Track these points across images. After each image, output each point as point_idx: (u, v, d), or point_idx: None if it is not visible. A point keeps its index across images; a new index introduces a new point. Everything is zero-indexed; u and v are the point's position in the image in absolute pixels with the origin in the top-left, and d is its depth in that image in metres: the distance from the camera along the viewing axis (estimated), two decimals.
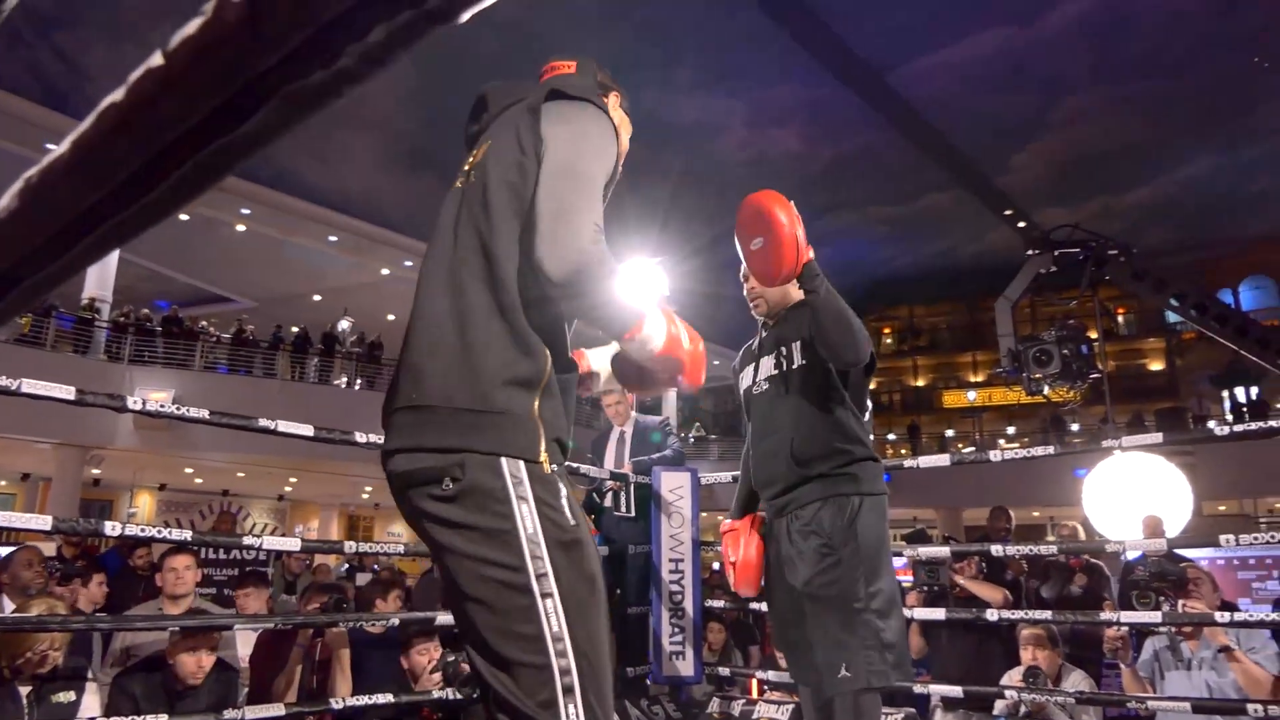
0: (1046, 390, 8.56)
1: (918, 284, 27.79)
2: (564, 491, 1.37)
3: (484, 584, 1.29)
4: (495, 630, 1.28)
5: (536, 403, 1.37)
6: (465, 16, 0.33)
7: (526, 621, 1.27)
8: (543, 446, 1.36)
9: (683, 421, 26.18)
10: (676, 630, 4.48)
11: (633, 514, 4.84)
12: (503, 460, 1.32)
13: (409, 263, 18.00)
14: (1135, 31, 17.53)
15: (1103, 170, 21.34)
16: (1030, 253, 9.52)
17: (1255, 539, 3.30)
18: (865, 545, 2.41)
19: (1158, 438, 3.65)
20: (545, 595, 1.28)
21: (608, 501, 4.96)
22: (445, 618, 3.65)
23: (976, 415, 28.55)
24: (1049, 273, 9.60)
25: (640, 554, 4.75)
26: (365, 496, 20.68)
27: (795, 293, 2.74)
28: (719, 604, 5.07)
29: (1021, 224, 23.98)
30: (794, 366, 2.64)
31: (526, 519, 1.31)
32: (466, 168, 1.55)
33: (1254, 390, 20.52)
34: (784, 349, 2.68)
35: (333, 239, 17.48)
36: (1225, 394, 22.88)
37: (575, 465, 4.42)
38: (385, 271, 18.90)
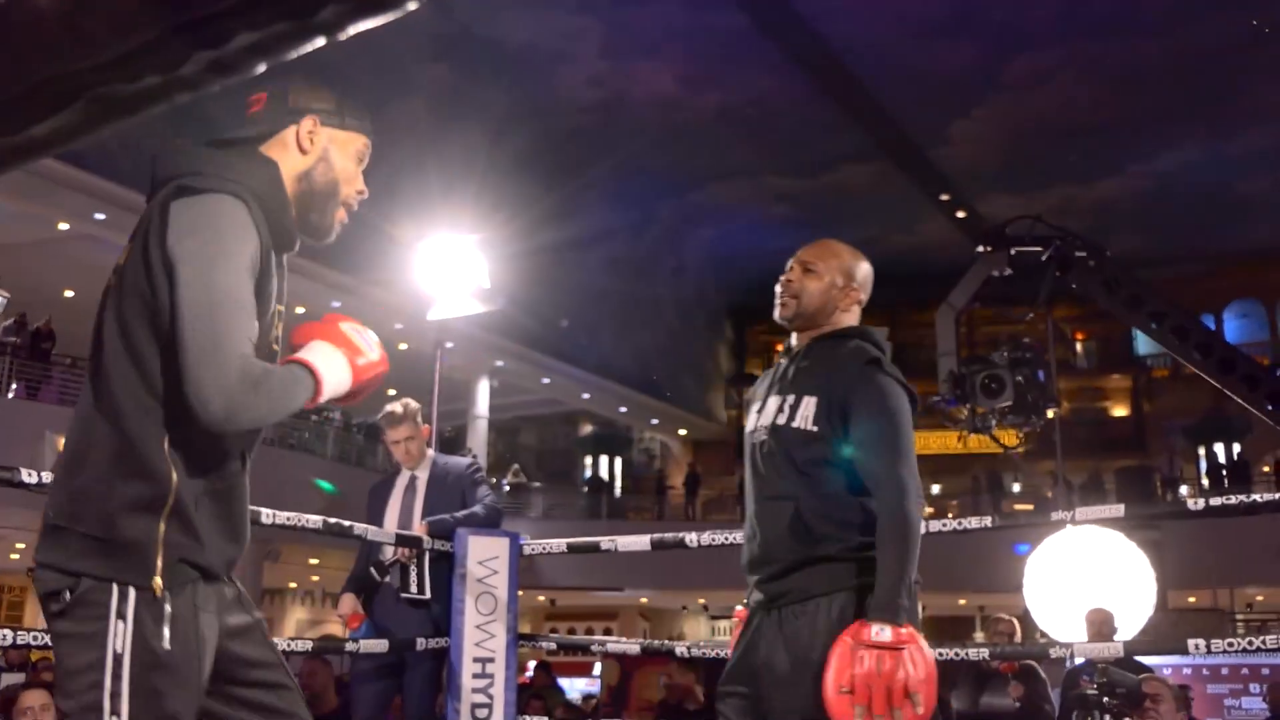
0: (994, 426, 9.05)
1: None
2: (168, 613, 1.84)
3: (73, 696, 1.79)
4: None
5: (162, 525, 1.85)
6: (347, 32, 0.38)
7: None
8: (158, 571, 1.83)
9: (494, 462, 26.11)
10: None
11: (426, 594, 4.81)
12: (113, 584, 1.82)
13: (101, 215, 17.21)
14: None
15: (1063, 152, 22.67)
16: (981, 249, 10.06)
17: (1231, 645, 3.63)
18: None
19: (1118, 510, 3.96)
20: (114, 714, 1.77)
21: (390, 577, 4.90)
22: None
23: None
24: (1003, 276, 10.18)
25: (432, 651, 4.73)
26: (15, 558, 19.55)
27: (842, 311, 2.84)
28: None
29: (960, 213, 25.32)
30: (796, 426, 2.70)
31: (119, 636, 1.80)
32: (119, 261, 2.00)
33: (1235, 448, 22.35)
34: (794, 399, 2.74)
35: None
36: (1201, 450, 24.84)
37: (347, 524, 4.36)
38: (64, 226, 17.99)
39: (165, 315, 1.84)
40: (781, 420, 2.73)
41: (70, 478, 1.87)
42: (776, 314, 2.86)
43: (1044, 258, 9.71)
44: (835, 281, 2.82)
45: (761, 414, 2.82)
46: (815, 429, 2.67)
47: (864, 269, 2.90)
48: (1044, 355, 9.38)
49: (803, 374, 2.77)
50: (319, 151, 2.07)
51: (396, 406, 5.10)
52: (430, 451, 5.24)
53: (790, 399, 2.74)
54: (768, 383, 2.91)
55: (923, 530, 3.95)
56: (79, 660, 1.79)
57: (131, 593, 1.81)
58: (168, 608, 1.83)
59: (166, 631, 1.82)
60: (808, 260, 2.84)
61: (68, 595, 1.80)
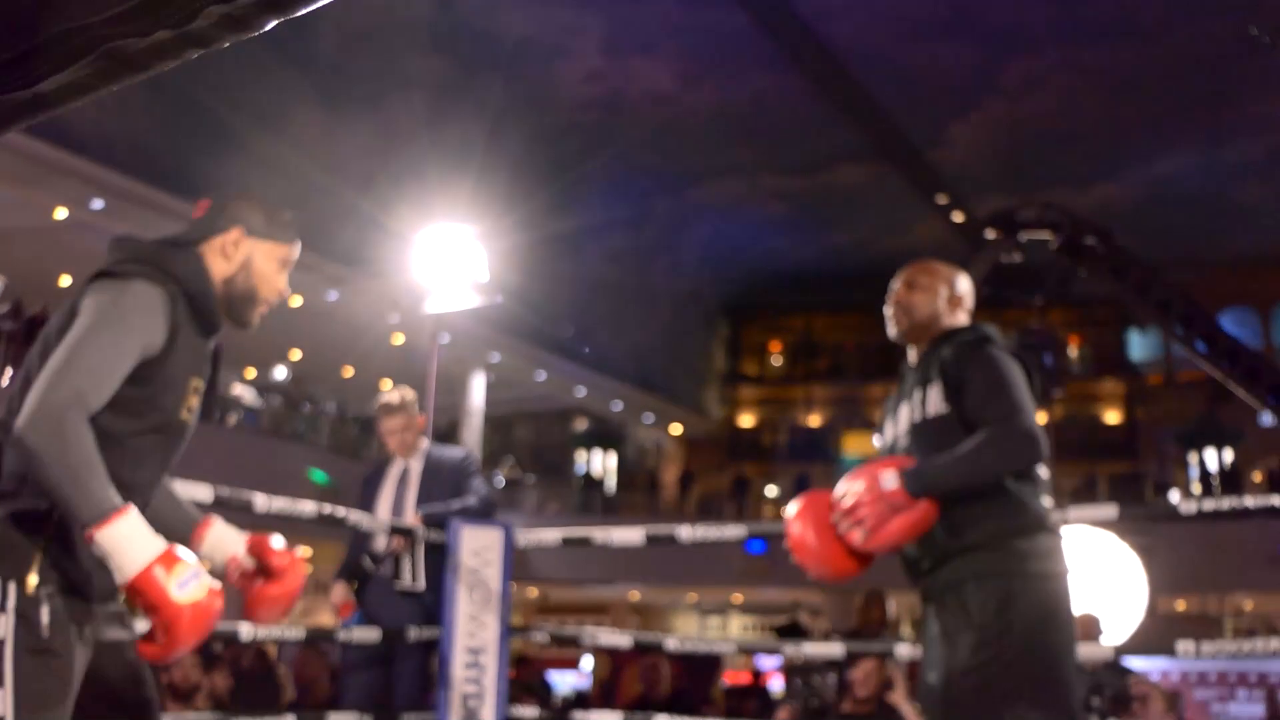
0: None
1: (820, 285, 28.72)
2: (46, 608, 1.99)
3: None
4: None
5: (43, 541, 2.04)
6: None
7: None
8: (33, 572, 2.00)
9: (488, 456, 26.11)
10: None
11: (420, 584, 4.81)
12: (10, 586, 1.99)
13: (98, 202, 17.17)
14: None
15: (1059, 155, 22.76)
16: (989, 234, 10.09)
17: (1220, 648, 3.65)
18: (1022, 645, 2.55)
19: (1111, 511, 3.98)
20: None
21: (383, 567, 4.90)
22: None
23: None
24: (1011, 264, 10.21)
25: (424, 641, 4.74)
26: None
27: (950, 317, 2.95)
28: (531, 714, 5.13)
29: (957, 216, 25.29)
30: (930, 415, 2.80)
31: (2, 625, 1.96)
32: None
33: (1227, 455, 22.42)
34: (921, 393, 2.84)
35: None
36: (1193, 457, 24.91)
37: (340, 512, 4.37)
38: (62, 214, 17.98)
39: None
40: (918, 418, 2.82)
41: None
42: (890, 331, 3.00)
43: (1053, 245, 9.74)
44: (941, 293, 2.95)
45: (898, 423, 2.92)
46: (947, 409, 2.75)
47: (965, 281, 3.04)
48: (1053, 338, 9.44)
49: (924, 371, 2.86)
50: (240, 260, 2.35)
51: (393, 396, 5.11)
52: (424, 442, 5.25)
53: (918, 395, 2.84)
54: (896, 399, 3.01)
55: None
56: None
57: (13, 586, 1.99)
58: (46, 605, 2.01)
59: (44, 620, 1.99)
60: (911, 277, 2.98)
61: None
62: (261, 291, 2.38)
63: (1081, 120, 21.92)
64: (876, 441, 3.06)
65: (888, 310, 3.00)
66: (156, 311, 2.14)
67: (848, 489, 2.66)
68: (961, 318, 2.97)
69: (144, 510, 2.15)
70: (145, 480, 2.22)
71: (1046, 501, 2.78)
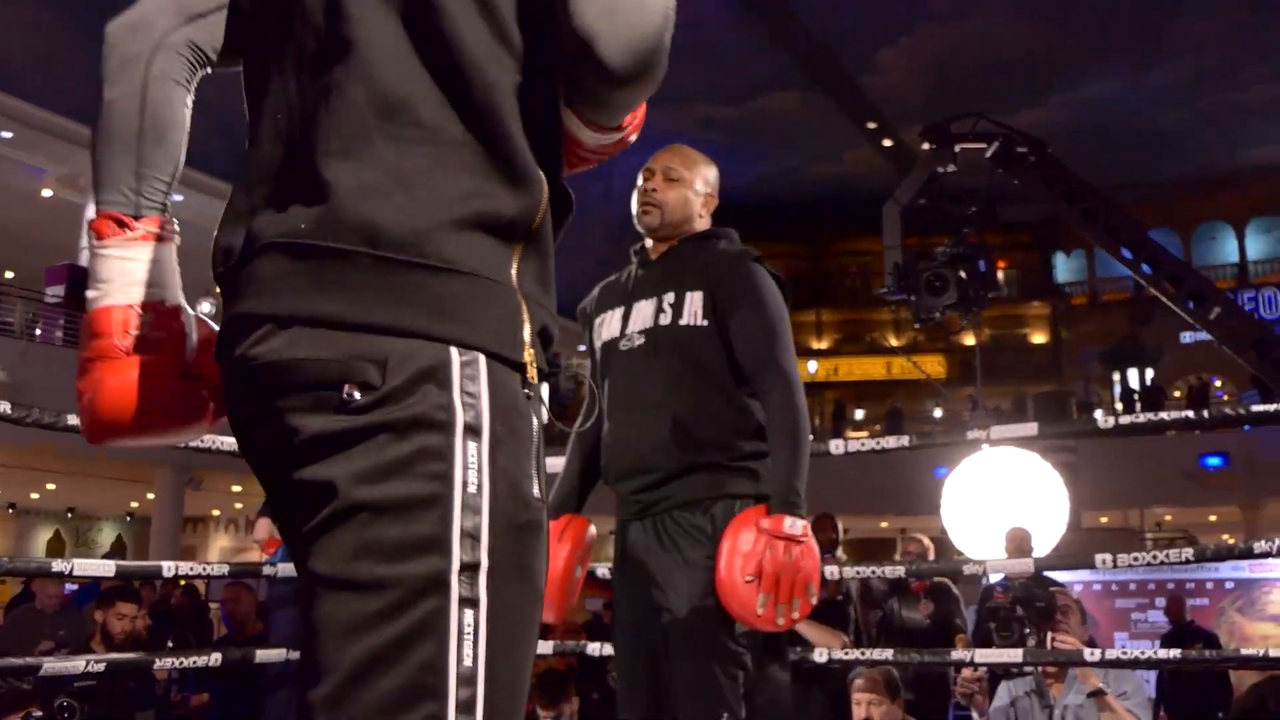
0: (939, 318, 9.36)
1: (751, 214, 28.63)
2: (538, 428, 1.18)
3: (360, 562, 1.04)
4: (346, 640, 1.04)
5: (516, 263, 1.16)
6: None
7: (420, 637, 1.04)
8: (527, 339, 1.16)
9: None
10: None
11: None
12: (454, 355, 1.09)
13: (6, 133, 16.68)
14: None
15: (987, 82, 22.85)
16: (926, 146, 10.23)
17: (1136, 559, 3.73)
18: None
19: (1032, 429, 4.03)
20: (466, 603, 1.06)
21: None
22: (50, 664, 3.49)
23: (818, 392, 30.21)
24: (947, 172, 10.38)
25: None
26: None
27: (701, 220, 2.82)
28: None
29: (887, 141, 25.42)
30: (685, 323, 2.67)
31: (471, 469, 1.08)
32: None
33: (1149, 374, 22.94)
34: (673, 296, 2.70)
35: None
36: (1116, 376, 25.45)
37: None
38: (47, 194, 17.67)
39: None
40: (665, 320, 2.69)
41: (354, 166, 1.13)
42: (640, 223, 2.81)
43: (988, 153, 9.88)
44: (697, 188, 2.81)
45: (629, 319, 2.77)
46: (705, 323, 2.64)
47: (715, 174, 2.91)
48: (984, 249, 9.56)
49: (677, 273, 2.73)
50: None
51: None
52: None
53: (670, 298, 2.70)
54: (619, 291, 2.87)
55: (841, 450, 4.00)
56: (382, 501, 1.06)
57: (485, 373, 1.11)
58: (536, 417, 1.19)
59: (535, 456, 1.16)
60: (670, 168, 2.81)
61: (354, 391, 1.07)
62: None
63: (1009, 46, 22.02)
64: (601, 333, 2.87)
65: (641, 200, 2.81)
66: None
67: (751, 564, 2.40)
68: (709, 219, 2.85)
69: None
70: None
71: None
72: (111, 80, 1.28)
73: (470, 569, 1.06)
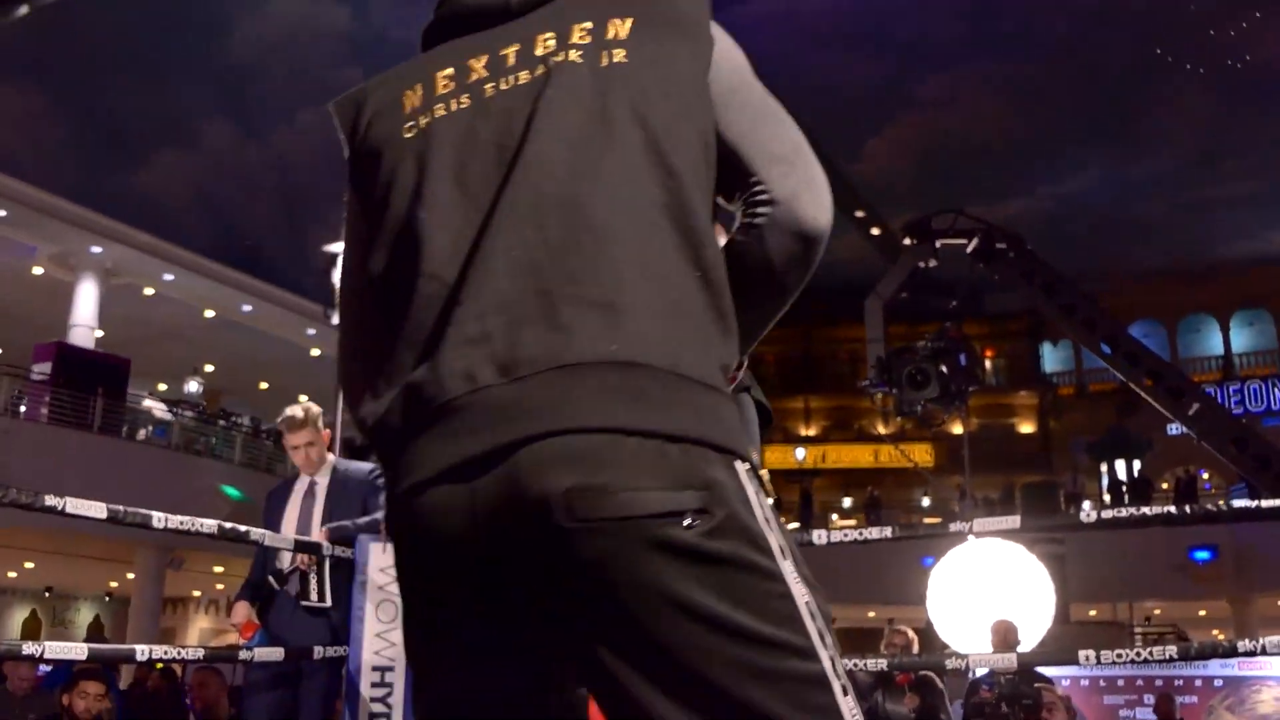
0: (920, 411, 9.44)
1: None
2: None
3: (760, 674, 1.12)
4: None
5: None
6: None
7: None
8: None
9: None
10: None
11: (327, 602, 4.72)
12: (743, 473, 1.21)
13: (1, 211, 16.79)
14: (1016, 1, 19.32)
15: (972, 171, 23.25)
16: (907, 242, 10.40)
17: (1120, 655, 3.71)
18: None
19: (1015, 522, 4.03)
20: (845, 692, 1.16)
21: (290, 584, 4.80)
22: None
23: (805, 480, 30.13)
24: (928, 267, 10.53)
25: (329, 660, 4.65)
26: None
27: None
28: None
29: (875, 230, 25.69)
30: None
31: (789, 571, 1.19)
32: (583, 40, 1.39)
33: (1136, 465, 22.96)
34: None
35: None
36: (1104, 467, 25.48)
37: (244, 529, 4.28)
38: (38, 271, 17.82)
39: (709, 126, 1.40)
40: None
41: (647, 295, 1.24)
42: None
43: (968, 249, 10.05)
44: None
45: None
46: None
47: None
48: (965, 342, 9.66)
49: None
50: None
51: (297, 410, 5.00)
52: (331, 457, 5.15)
53: None
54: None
55: (824, 540, 3.99)
56: (752, 621, 1.14)
57: (756, 484, 1.23)
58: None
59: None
60: None
61: (694, 518, 1.14)
62: None
63: (994, 136, 22.40)
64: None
65: None
66: None
67: None
68: None
69: None
70: None
71: None
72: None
73: (834, 659, 1.18)
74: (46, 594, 22.81)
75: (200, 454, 18.79)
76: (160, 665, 9.37)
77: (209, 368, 22.29)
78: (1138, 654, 3.70)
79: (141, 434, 17.64)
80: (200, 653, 4.46)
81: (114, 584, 22.06)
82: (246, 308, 19.17)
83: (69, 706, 5.37)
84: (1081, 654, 3.69)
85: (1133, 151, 22.83)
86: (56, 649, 3.62)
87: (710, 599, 1.11)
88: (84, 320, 17.78)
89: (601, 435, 1.14)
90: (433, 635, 1.29)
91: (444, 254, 1.29)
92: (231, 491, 16.50)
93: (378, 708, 4.51)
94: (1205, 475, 25.93)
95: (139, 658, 3.86)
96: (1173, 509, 3.68)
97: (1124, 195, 24.29)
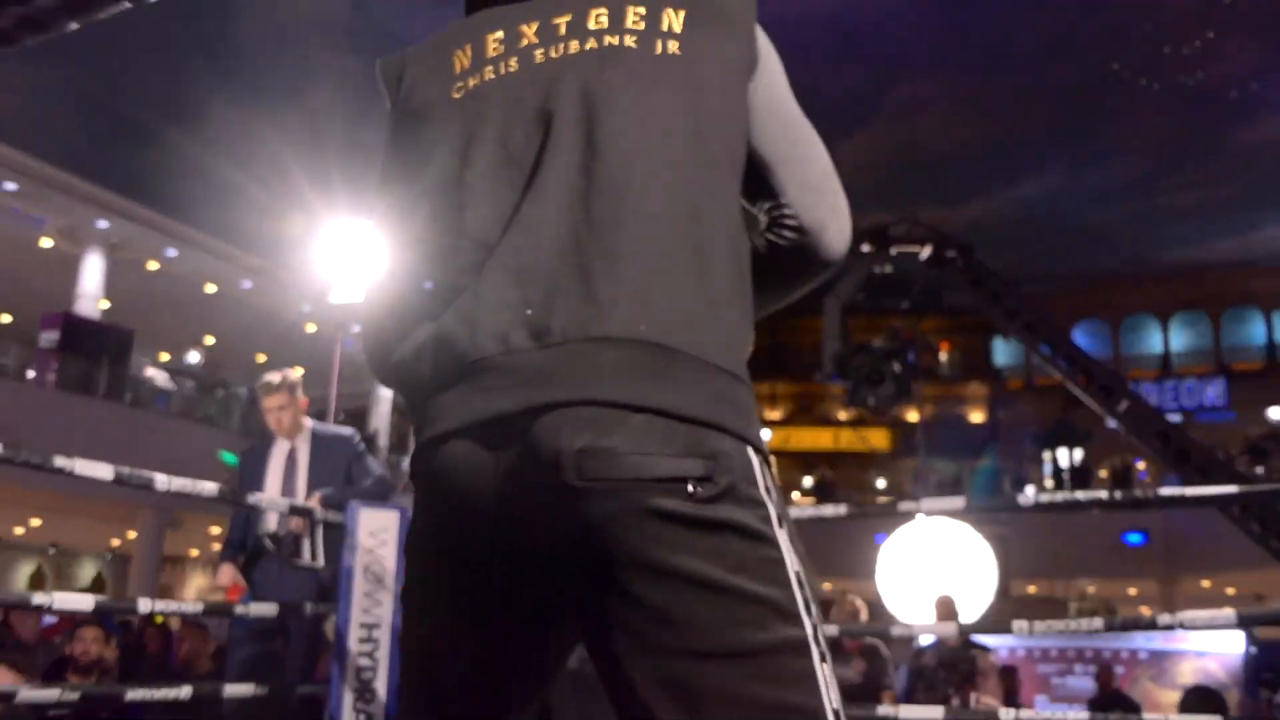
0: (873, 404, 9.61)
1: None
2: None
3: (744, 632, 1.14)
4: (757, 707, 1.13)
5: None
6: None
7: (802, 691, 1.14)
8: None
9: (395, 442, 25.81)
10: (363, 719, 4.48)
11: (321, 563, 4.73)
12: (750, 453, 1.23)
13: (10, 185, 16.64)
14: (982, 16, 19.42)
15: (936, 175, 23.40)
16: (864, 248, 10.51)
17: (1051, 626, 3.81)
18: None
19: (960, 502, 4.12)
20: (823, 659, 1.17)
21: (281, 546, 4.82)
22: None
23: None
24: (883, 273, 10.66)
25: (315, 616, 4.69)
26: None
27: None
28: None
29: None
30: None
31: (784, 539, 1.21)
32: (636, 24, 1.39)
33: (1078, 454, 23.20)
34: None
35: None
36: (1048, 455, 25.71)
37: (245, 494, 4.31)
38: (46, 244, 17.53)
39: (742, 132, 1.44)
40: None
41: (672, 282, 1.26)
42: None
43: (921, 257, 10.20)
44: None
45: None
46: None
47: None
48: (913, 342, 9.88)
49: None
50: None
51: (274, 376, 4.98)
52: (308, 422, 5.12)
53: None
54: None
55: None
56: (747, 580, 1.16)
57: (762, 465, 1.26)
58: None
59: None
60: None
61: (698, 485, 1.17)
62: None
63: (956, 144, 22.53)
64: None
65: None
66: None
67: None
68: None
69: None
70: None
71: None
72: None
73: (817, 628, 1.19)
74: (52, 550, 22.71)
75: (199, 421, 18.75)
76: (159, 619, 9.39)
77: (209, 340, 22.20)
78: (1066, 625, 3.79)
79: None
80: (199, 607, 4.51)
81: (115, 542, 22.00)
82: (246, 284, 19.13)
83: (71, 654, 5.40)
84: (1015, 624, 3.78)
85: (1088, 161, 23.02)
86: (64, 599, 3.66)
87: (706, 564, 1.14)
88: (90, 292, 17.67)
89: (620, 410, 1.17)
90: (436, 578, 1.30)
91: (487, 218, 1.31)
92: (229, 457, 16.45)
93: (364, 661, 4.55)
94: (1141, 465, 26.23)
95: (142, 610, 3.89)
96: (1104, 494, 3.77)
97: (1077, 202, 24.52)
